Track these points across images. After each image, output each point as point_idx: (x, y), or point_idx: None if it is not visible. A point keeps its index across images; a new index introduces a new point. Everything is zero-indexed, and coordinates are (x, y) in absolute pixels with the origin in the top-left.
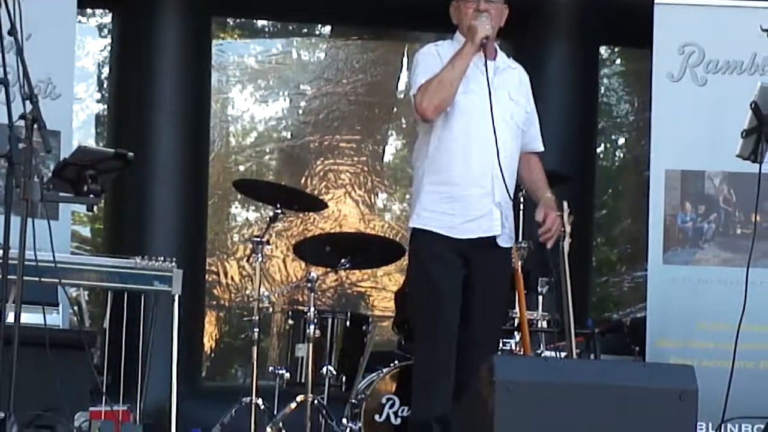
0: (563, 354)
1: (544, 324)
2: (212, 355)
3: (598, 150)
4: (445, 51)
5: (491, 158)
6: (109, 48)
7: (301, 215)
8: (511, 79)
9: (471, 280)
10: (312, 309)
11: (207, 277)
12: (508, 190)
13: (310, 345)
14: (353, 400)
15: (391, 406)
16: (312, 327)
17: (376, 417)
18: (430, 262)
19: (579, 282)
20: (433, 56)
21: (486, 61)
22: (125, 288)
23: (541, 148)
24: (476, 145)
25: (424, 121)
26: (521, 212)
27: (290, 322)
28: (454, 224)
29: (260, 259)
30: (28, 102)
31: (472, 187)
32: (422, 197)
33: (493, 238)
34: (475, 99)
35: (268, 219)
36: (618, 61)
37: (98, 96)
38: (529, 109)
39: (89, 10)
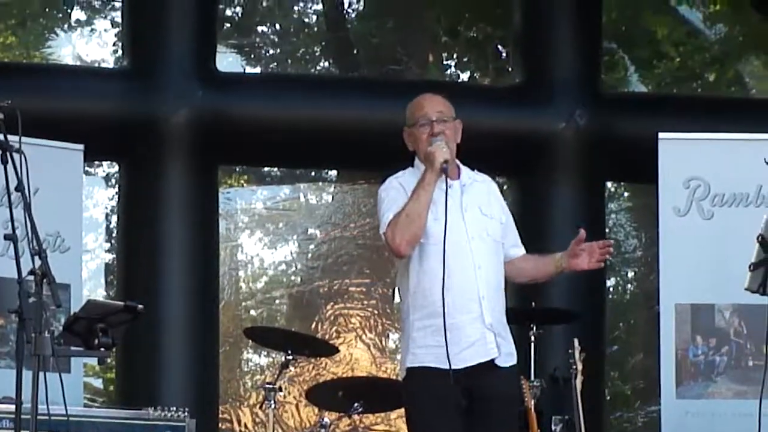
0: None
1: None
2: None
3: (609, 285)
4: (408, 181)
5: (474, 281)
6: (117, 197)
7: (312, 360)
8: (480, 194)
9: (475, 407)
10: None
11: (220, 425)
12: (498, 310)
13: None
14: None
15: None
16: None
17: None
18: (427, 403)
19: (593, 418)
20: (396, 189)
21: (447, 184)
22: None
23: (523, 252)
24: (456, 271)
25: (398, 257)
26: (532, 348)
27: None
28: (450, 354)
29: (273, 406)
30: (36, 257)
31: (460, 314)
32: (413, 335)
33: (491, 360)
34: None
35: (279, 365)
36: (625, 195)
37: (107, 245)
38: (504, 219)
39: (96, 161)
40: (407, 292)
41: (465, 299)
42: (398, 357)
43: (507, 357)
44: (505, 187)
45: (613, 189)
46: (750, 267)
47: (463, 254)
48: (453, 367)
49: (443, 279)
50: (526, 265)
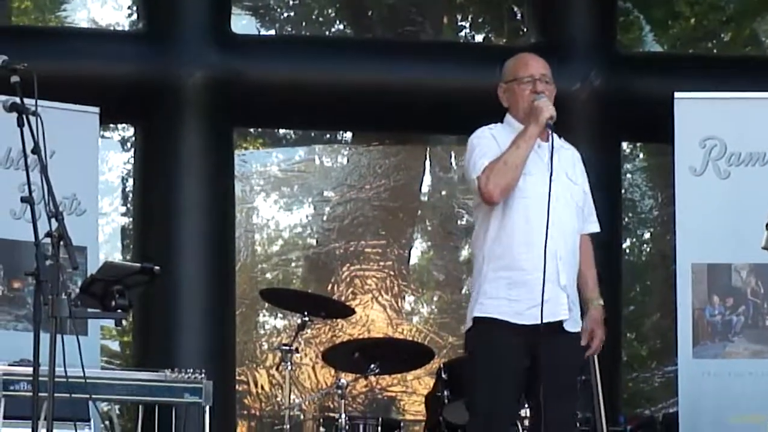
0: None
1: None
2: None
3: (625, 246)
4: (500, 134)
5: (554, 241)
6: (132, 161)
7: (328, 322)
8: (566, 159)
9: (538, 368)
10: (343, 415)
11: (237, 386)
12: (572, 274)
13: None
14: None
15: None
16: None
17: None
18: (491, 351)
19: (610, 378)
20: (488, 139)
21: (552, 141)
22: (156, 401)
23: (597, 229)
24: (538, 228)
25: (488, 204)
26: None
27: (322, 429)
28: (520, 310)
29: (290, 367)
30: (53, 219)
31: (536, 271)
32: (484, 285)
33: (560, 323)
34: (535, 181)
35: (296, 327)
36: (641, 156)
37: (123, 209)
38: (586, 189)
39: (112, 125)
40: (484, 242)
41: (542, 257)
42: (414, 319)
43: (575, 323)
44: None
45: (628, 150)
46: (766, 226)
47: (546, 213)
48: (521, 322)
49: (546, 233)
50: (582, 268)
